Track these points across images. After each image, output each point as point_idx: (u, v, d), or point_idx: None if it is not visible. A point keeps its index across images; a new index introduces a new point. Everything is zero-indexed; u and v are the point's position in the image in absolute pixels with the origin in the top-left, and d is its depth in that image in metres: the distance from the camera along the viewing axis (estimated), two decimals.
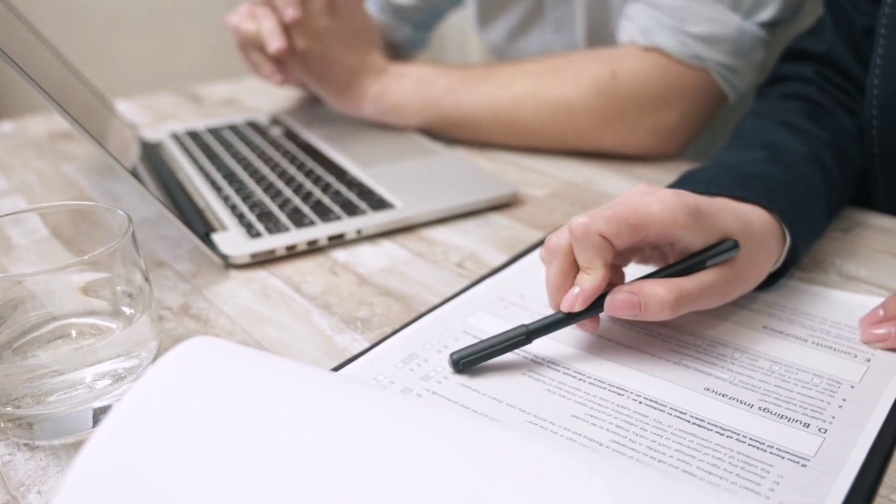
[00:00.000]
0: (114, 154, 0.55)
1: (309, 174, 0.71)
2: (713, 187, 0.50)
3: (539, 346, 0.46)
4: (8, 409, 0.39)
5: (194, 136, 0.83)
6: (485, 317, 0.50)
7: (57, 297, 0.43)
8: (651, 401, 0.42)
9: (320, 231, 0.60)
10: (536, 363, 0.45)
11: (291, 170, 0.73)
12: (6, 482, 0.38)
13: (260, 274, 0.57)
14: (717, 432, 0.39)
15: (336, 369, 0.45)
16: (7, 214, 0.44)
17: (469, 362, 0.44)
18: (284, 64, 0.81)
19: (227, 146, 0.79)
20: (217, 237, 0.59)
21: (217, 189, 0.68)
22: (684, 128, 0.75)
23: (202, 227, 0.60)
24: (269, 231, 0.60)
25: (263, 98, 1.01)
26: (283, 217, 0.62)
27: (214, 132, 0.84)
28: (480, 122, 0.79)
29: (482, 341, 0.44)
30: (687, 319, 0.48)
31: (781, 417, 0.40)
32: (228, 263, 0.58)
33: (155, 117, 0.96)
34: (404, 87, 0.80)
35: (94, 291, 0.43)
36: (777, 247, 0.49)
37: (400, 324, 0.49)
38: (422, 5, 0.98)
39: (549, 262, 0.45)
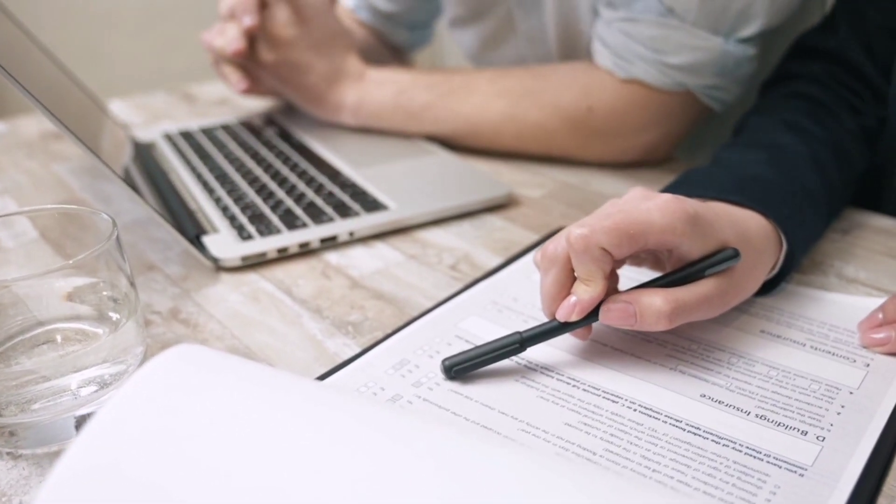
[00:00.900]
0: (104, 157, 0.54)
1: (302, 175, 0.71)
2: (710, 190, 0.49)
3: (532, 351, 0.45)
4: None
5: (187, 136, 0.82)
6: (478, 321, 0.49)
7: (41, 301, 0.42)
8: (646, 408, 0.41)
9: (312, 233, 0.59)
10: (529, 369, 0.44)
11: (284, 171, 0.72)
12: None
13: (251, 277, 0.56)
14: (712, 441, 0.38)
15: (326, 375, 0.44)
16: None
17: (461, 369, 0.43)
18: (251, 73, 0.80)
19: (220, 146, 0.78)
20: (208, 240, 0.58)
21: (209, 190, 0.67)
22: (668, 142, 0.74)
23: (193, 230, 0.59)
24: (261, 233, 0.59)
25: (257, 98, 1.00)
26: (274, 219, 0.61)
27: (207, 132, 0.83)
28: (462, 139, 0.78)
29: (475, 348, 0.44)
30: (683, 324, 0.48)
31: (779, 425, 0.39)
32: (219, 266, 0.57)
33: (148, 117, 0.95)
34: (383, 96, 0.79)
35: (79, 296, 0.43)
36: (773, 253, 0.48)
37: (392, 328, 0.49)
38: (405, 11, 0.97)
39: (546, 271, 0.44)
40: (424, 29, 1.02)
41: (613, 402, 0.42)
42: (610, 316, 0.42)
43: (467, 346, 0.46)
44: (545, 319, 0.45)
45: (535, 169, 0.75)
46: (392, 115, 0.79)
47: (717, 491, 0.35)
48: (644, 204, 0.43)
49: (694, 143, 0.84)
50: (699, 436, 0.39)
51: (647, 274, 0.49)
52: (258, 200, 0.65)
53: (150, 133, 0.83)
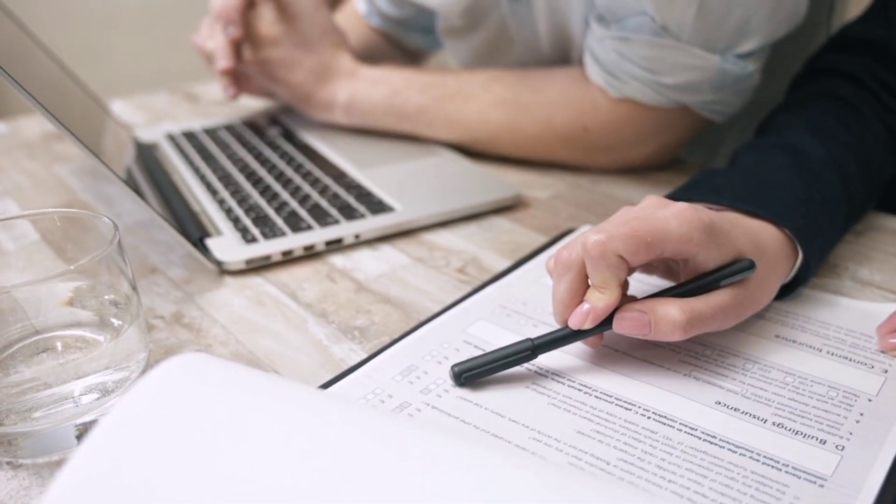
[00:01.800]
0: (106, 158, 0.53)
1: (306, 176, 0.70)
2: (725, 198, 0.48)
3: (543, 356, 0.44)
4: None
5: (190, 136, 0.81)
6: (487, 326, 0.48)
7: (41, 308, 0.41)
8: (660, 416, 0.40)
9: (317, 236, 0.58)
10: (540, 375, 0.43)
11: (289, 172, 0.71)
12: None
13: (255, 280, 0.55)
14: (729, 450, 0.38)
15: (332, 382, 0.43)
16: None
17: (471, 376, 0.42)
18: (238, 78, 0.80)
19: (224, 147, 0.78)
20: (211, 242, 0.57)
21: (212, 192, 0.67)
22: (667, 151, 0.72)
23: (196, 232, 0.58)
24: (265, 236, 0.58)
25: (260, 98, 0.99)
26: (279, 221, 0.60)
27: (210, 132, 0.82)
28: (458, 144, 0.77)
29: (485, 354, 0.43)
30: None
31: (796, 433, 0.38)
32: (223, 270, 0.56)
33: (150, 117, 0.94)
34: (376, 96, 0.77)
35: (80, 302, 0.42)
36: (788, 263, 0.47)
37: (399, 333, 0.48)
38: (414, 16, 0.94)
39: (560, 278, 0.43)
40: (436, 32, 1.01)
41: (627, 409, 0.41)
42: (624, 325, 0.41)
43: (476, 352, 0.45)
44: (555, 324, 0.44)
45: (542, 170, 0.74)
46: (385, 115, 0.77)
47: (735, 503, 0.34)
48: (661, 212, 0.42)
49: (713, 143, 0.82)
50: (715, 444, 0.38)
51: (657, 281, 0.48)
52: (262, 202, 0.64)
53: (152, 133, 0.82)
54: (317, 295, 0.53)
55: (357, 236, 0.59)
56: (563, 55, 0.77)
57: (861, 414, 0.40)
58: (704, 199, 0.48)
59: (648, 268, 0.47)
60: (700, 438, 0.38)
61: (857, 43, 0.63)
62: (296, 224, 0.60)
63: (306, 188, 0.67)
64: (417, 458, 0.27)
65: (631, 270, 0.45)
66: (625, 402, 0.41)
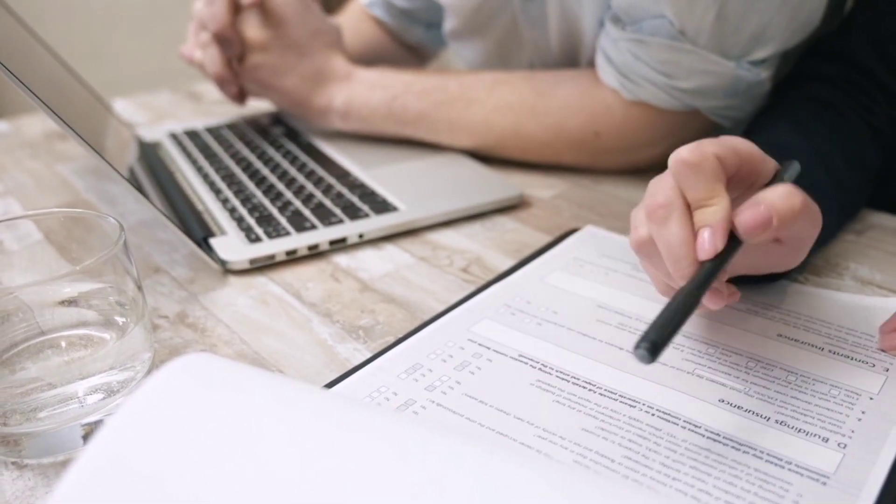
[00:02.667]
0: (109, 158, 0.53)
1: (310, 175, 0.70)
2: None
3: (547, 354, 0.44)
4: None
5: (193, 135, 0.81)
6: (491, 325, 0.48)
7: (46, 307, 0.41)
8: (664, 413, 0.40)
9: (321, 235, 0.59)
10: (545, 372, 0.44)
11: (292, 171, 0.71)
12: None
13: (259, 280, 0.55)
14: (732, 447, 0.38)
15: (337, 381, 0.43)
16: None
17: (664, 343, 0.35)
18: (235, 81, 0.79)
19: (227, 146, 0.78)
20: (215, 242, 0.57)
21: (216, 191, 0.67)
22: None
23: (200, 232, 0.58)
24: (269, 235, 0.58)
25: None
26: (283, 221, 0.61)
27: (213, 131, 0.82)
28: (462, 149, 0.76)
29: (660, 317, 0.35)
30: (699, 327, 0.47)
31: (799, 431, 0.39)
32: (227, 269, 0.56)
33: (153, 116, 0.94)
34: (374, 100, 0.75)
35: (85, 302, 0.42)
36: None
37: (403, 332, 0.48)
38: (422, 8, 0.93)
39: (663, 222, 0.40)
40: (441, 28, 1.00)
41: (631, 406, 0.41)
42: (746, 219, 0.38)
43: (481, 350, 0.45)
44: (562, 322, 0.44)
45: (545, 169, 0.74)
46: (384, 121, 0.75)
47: (739, 500, 0.35)
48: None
49: None
50: (719, 442, 0.38)
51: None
52: (266, 201, 0.64)
53: (155, 132, 0.83)
54: (321, 294, 0.53)
55: (361, 236, 0.60)
56: (572, 57, 0.76)
57: (863, 412, 0.40)
58: None
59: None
60: (704, 436, 0.38)
61: (831, 53, 0.64)
62: (300, 223, 0.60)
63: (310, 187, 0.67)
64: (422, 457, 0.28)
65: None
66: (629, 399, 0.41)
